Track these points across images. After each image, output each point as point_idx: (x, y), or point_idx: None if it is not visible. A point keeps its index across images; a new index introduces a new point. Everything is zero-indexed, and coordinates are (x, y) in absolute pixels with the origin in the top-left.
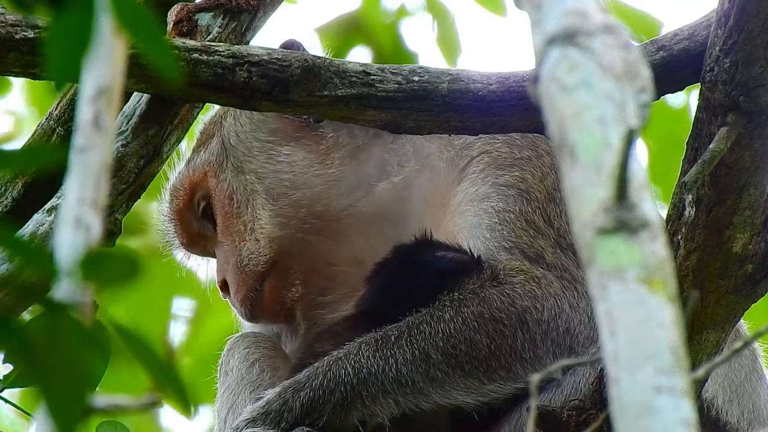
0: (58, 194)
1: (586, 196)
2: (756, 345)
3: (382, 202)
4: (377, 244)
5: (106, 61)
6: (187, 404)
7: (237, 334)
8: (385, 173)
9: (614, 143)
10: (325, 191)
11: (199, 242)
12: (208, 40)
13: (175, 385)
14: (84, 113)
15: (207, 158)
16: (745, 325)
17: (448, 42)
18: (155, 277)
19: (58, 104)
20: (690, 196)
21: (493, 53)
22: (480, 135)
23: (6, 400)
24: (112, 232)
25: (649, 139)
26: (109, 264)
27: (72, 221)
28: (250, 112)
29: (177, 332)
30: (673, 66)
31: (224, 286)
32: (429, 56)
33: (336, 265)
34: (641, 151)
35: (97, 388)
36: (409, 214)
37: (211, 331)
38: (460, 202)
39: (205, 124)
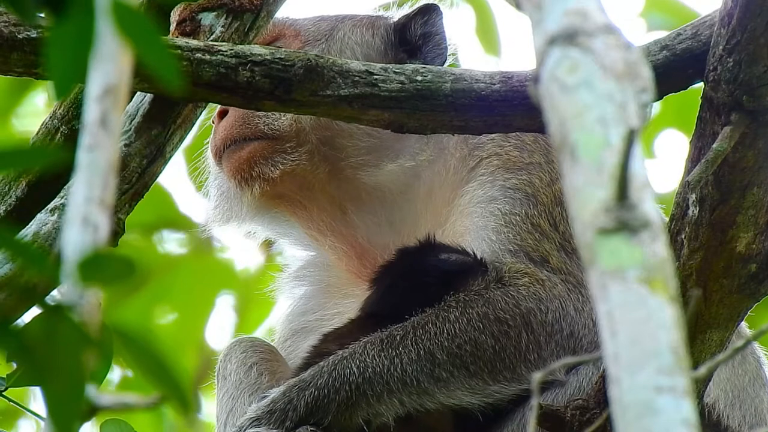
0: (62, 194)
1: (587, 197)
2: (761, 354)
3: (386, 183)
4: (369, 221)
5: (112, 60)
6: (186, 406)
7: (233, 340)
8: (396, 155)
9: (615, 143)
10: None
11: None
12: (211, 40)
13: (172, 387)
14: (91, 112)
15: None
16: (747, 329)
17: (487, 34)
18: (198, 273)
19: (61, 103)
20: (693, 196)
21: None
22: (492, 137)
23: (10, 400)
24: (115, 232)
25: (679, 129)
26: (106, 265)
27: (79, 220)
28: None
29: (223, 326)
30: (676, 65)
31: (222, 114)
32: (468, 48)
33: (324, 199)
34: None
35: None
36: (411, 203)
37: (254, 324)
38: (467, 203)
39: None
